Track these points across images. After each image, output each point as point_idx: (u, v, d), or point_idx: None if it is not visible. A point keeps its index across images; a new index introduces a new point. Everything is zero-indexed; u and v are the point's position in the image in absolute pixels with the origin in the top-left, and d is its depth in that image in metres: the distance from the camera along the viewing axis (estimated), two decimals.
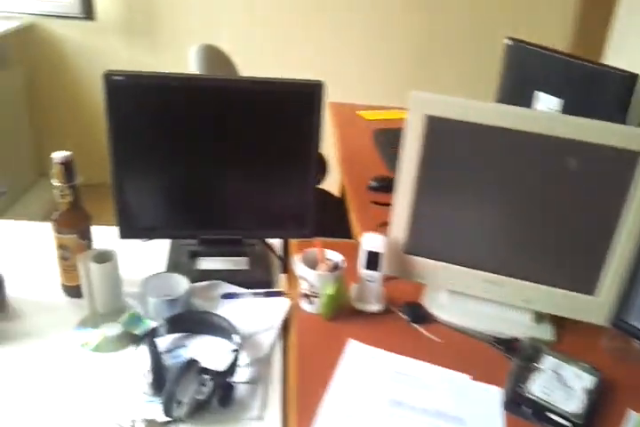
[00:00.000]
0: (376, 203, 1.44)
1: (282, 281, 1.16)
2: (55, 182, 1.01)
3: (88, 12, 2.60)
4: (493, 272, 1.02)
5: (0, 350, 0.96)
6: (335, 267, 1.04)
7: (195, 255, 1.20)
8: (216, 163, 1.11)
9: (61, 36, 2.89)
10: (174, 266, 1.16)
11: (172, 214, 1.16)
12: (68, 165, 1.01)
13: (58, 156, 1.01)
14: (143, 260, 1.19)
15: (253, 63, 2.46)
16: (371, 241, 1.03)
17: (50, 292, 1.10)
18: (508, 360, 0.96)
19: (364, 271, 1.05)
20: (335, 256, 1.07)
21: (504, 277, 1.02)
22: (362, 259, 1.04)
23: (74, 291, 1.08)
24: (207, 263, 1.19)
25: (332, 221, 1.22)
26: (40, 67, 2.95)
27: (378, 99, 2.30)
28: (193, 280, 1.07)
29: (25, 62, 2.90)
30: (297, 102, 1.07)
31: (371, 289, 1.06)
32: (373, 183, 1.53)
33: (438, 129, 0.98)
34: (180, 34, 2.88)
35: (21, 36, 2.82)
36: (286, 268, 1.18)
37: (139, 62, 2.92)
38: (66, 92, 3.04)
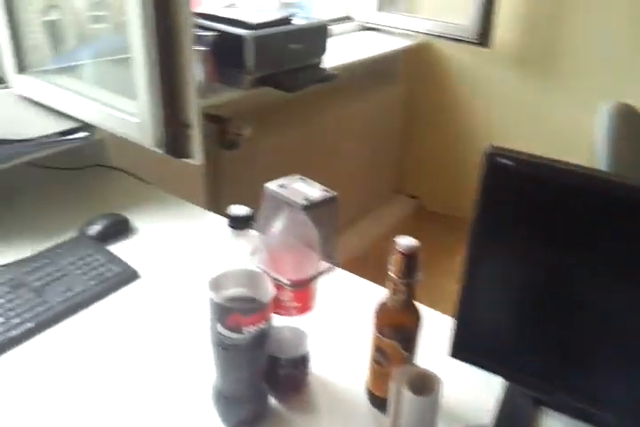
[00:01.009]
0: None
1: None
2: (391, 273, 0.81)
3: (483, 39, 2.41)
4: None
5: None
6: None
7: (539, 403, 0.87)
8: (613, 296, 0.75)
9: (449, 58, 2.81)
10: (506, 416, 0.85)
11: (525, 350, 0.84)
12: (412, 258, 0.79)
13: (404, 244, 0.79)
14: (469, 387, 0.92)
15: None
16: None
17: (353, 388, 0.92)
18: None
19: None
20: None
21: None
22: None
23: (379, 402, 0.87)
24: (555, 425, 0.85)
25: None
26: (421, 85, 2.94)
27: None
28: None
29: (409, 78, 2.92)
30: None
31: None
32: None
33: None
34: (583, 80, 2.47)
35: (411, 54, 2.83)
36: None
37: (526, 101, 2.65)
38: (440, 114, 2.97)
